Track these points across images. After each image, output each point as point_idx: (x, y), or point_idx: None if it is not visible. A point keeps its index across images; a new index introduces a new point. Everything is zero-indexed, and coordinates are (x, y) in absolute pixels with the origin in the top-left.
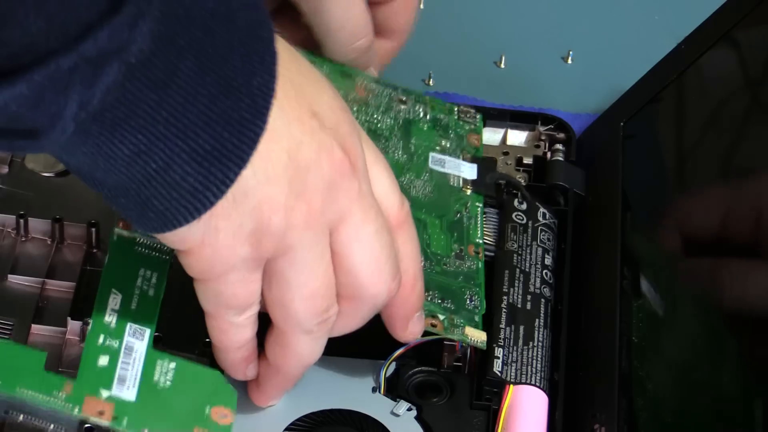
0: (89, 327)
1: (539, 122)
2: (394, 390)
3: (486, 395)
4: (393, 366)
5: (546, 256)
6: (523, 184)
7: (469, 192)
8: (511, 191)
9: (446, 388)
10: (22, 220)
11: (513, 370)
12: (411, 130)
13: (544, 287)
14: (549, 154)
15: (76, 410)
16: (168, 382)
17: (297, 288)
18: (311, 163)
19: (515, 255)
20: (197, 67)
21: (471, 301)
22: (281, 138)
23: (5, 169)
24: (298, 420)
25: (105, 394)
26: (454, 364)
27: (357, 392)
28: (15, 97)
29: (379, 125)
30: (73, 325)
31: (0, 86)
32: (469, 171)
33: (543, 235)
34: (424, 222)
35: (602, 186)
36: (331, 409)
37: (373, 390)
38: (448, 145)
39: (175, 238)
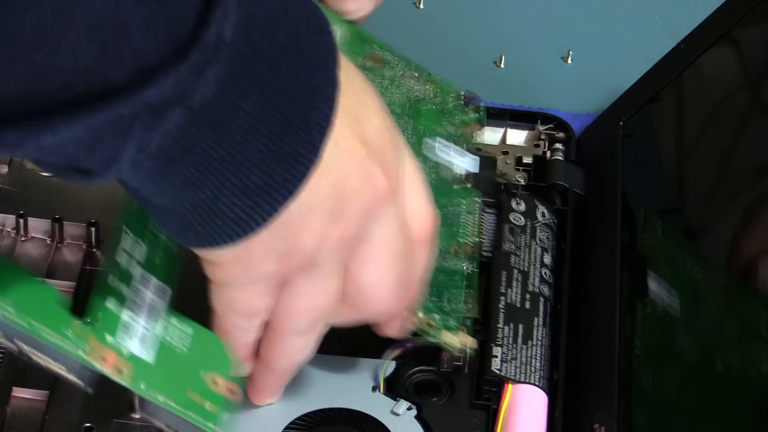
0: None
1: (539, 122)
2: (393, 389)
3: (485, 394)
4: (392, 365)
5: (545, 255)
6: (523, 183)
7: (469, 185)
8: (510, 191)
9: (446, 388)
10: (21, 220)
11: (512, 369)
12: (420, 110)
13: (543, 286)
14: (549, 154)
15: (82, 353)
16: (184, 348)
17: (306, 301)
18: (354, 193)
19: (512, 256)
20: (260, 106)
21: (466, 303)
22: (331, 171)
23: (5, 169)
24: (298, 419)
25: (111, 340)
26: (454, 363)
27: (357, 391)
28: (73, 139)
29: (391, 98)
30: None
31: (58, 127)
32: (471, 163)
33: (542, 234)
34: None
35: (602, 185)
36: (331, 408)
37: (373, 389)
38: (453, 131)
39: (210, 255)
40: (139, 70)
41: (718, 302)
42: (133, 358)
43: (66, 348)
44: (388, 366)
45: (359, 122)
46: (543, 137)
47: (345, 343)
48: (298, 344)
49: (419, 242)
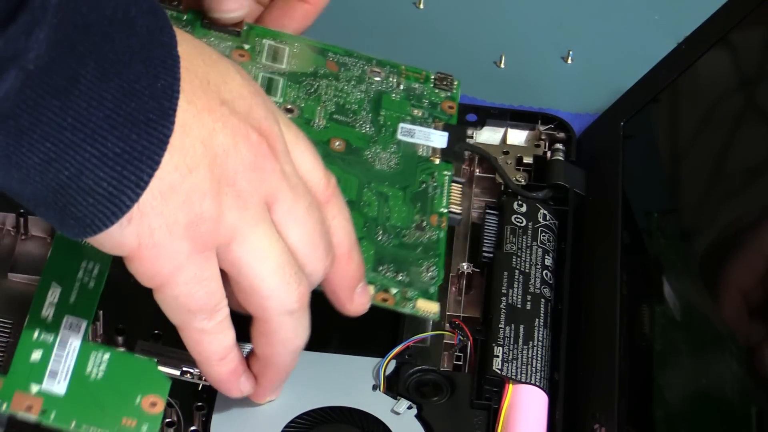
0: (25, 321)
1: (539, 122)
2: (394, 388)
3: (486, 394)
4: (393, 364)
5: (546, 256)
6: (523, 183)
7: (437, 161)
8: (510, 193)
9: (446, 387)
10: (21, 219)
11: (513, 369)
12: (382, 101)
13: (544, 287)
14: (549, 154)
15: (5, 406)
16: (100, 374)
17: (260, 265)
18: (228, 147)
19: (514, 257)
20: (99, 72)
21: (428, 272)
22: (193, 129)
23: None
24: (298, 417)
25: (35, 388)
26: (455, 363)
27: (357, 390)
28: None
29: (348, 98)
30: None
31: None
32: (438, 140)
33: (543, 236)
34: (386, 195)
35: (602, 186)
36: (332, 407)
37: (374, 388)
38: (420, 114)
39: (109, 244)
40: None
41: (717, 303)
42: (41, 393)
43: None
44: (388, 365)
45: (213, 85)
46: (543, 137)
47: (346, 342)
48: (290, 326)
49: (324, 202)
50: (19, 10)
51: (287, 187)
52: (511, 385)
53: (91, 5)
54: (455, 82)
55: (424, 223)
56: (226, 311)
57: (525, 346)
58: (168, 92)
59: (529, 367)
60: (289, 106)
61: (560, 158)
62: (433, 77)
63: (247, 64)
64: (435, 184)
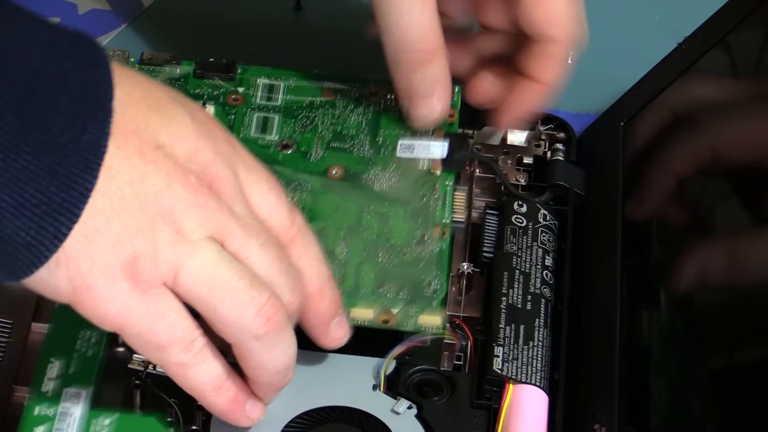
0: (26, 399)
1: (539, 122)
2: (394, 388)
3: (486, 394)
4: (393, 364)
5: (546, 257)
6: (523, 183)
7: (438, 172)
8: (510, 193)
9: (446, 387)
10: None
11: (513, 369)
12: (380, 122)
13: (545, 288)
14: (549, 154)
15: None
16: None
17: (209, 293)
18: (161, 188)
19: (514, 257)
20: (18, 125)
21: (431, 286)
22: (121, 173)
23: None
24: (298, 417)
25: None
26: (455, 363)
27: (357, 390)
28: None
29: (345, 124)
30: None
31: None
32: (439, 150)
33: (543, 237)
34: (386, 215)
35: (602, 186)
36: (332, 407)
37: (374, 388)
38: (415, 130)
39: (43, 288)
40: None
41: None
42: None
43: None
44: (388, 365)
45: (153, 129)
46: (543, 137)
47: (346, 342)
48: (263, 351)
49: (288, 243)
50: None
51: (237, 224)
52: (511, 385)
53: (15, 60)
54: (455, 89)
55: (426, 237)
56: (201, 341)
57: (525, 346)
58: (94, 146)
59: (530, 367)
60: (285, 143)
61: (560, 158)
62: None
63: (242, 107)
64: (436, 195)
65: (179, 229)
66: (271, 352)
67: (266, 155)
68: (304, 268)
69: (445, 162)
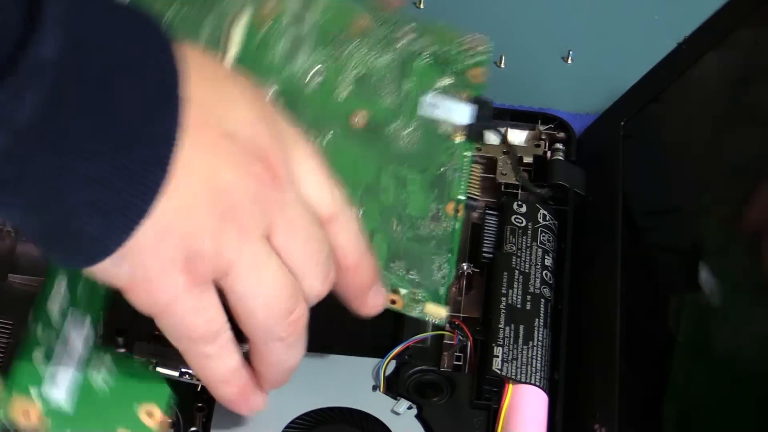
0: (29, 318)
1: (539, 122)
2: (394, 388)
3: (486, 394)
4: (393, 364)
5: (546, 257)
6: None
7: (459, 139)
8: (510, 192)
9: (446, 387)
10: None
11: (513, 369)
12: (409, 67)
13: (544, 288)
14: (549, 154)
15: (2, 412)
16: (101, 378)
17: (252, 299)
18: (231, 184)
19: (514, 257)
20: (94, 125)
21: (439, 270)
22: (194, 169)
23: None
24: (298, 418)
25: (35, 392)
26: (454, 363)
27: (357, 390)
28: None
29: (375, 63)
30: None
31: None
32: (462, 114)
33: (543, 237)
34: (404, 179)
35: (602, 186)
36: (332, 407)
37: (374, 388)
38: (447, 83)
39: (102, 276)
40: None
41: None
42: (40, 398)
43: None
44: (388, 365)
45: (217, 116)
46: (543, 137)
47: (346, 342)
48: (282, 351)
49: (328, 219)
50: (8, 71)
51: (286, 221)
52: (511, 385)
53: (95, 53)
54: (488, 46)
55: (440, 213)
56: (228, 335)
57: (525, 346)
58: (167, 140)
59: (529, 367)
60: (315, 69)
61: (560, 158)
62: (465, 39)
63: (273, 24)
64: (455, 166)
65: (241, 227)
66: (289, 353)
67: (293, 86)
68: (342, 243)
69: (469, 129)
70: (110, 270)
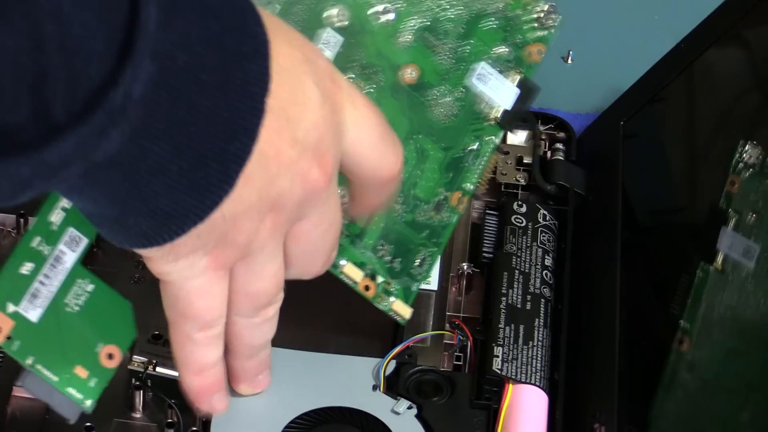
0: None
1: (539, 122)
2: (394, 388)
3: (486, 394)
4: (393, 364)
5: (546, 257)
6: (523, 183)
7: (491, 123)
8: (511, 192)
9: (446, 387)
10: (22, 219)
11: (513, 369)
12: (476, 27)
13: (544, 287)
14: (549, 154)
15: None
16: (76, 307)
17: (243, 285)
18: (284, 191)
19: (514, 257)
20: (172, 147)
21: (422, 264)
22: (254, 180)
23: None
24: (298, 417)
25: (11, 308)
26: (454, 363)
27: (357, 390)
28: None
29: (446, 13)
30: None
31: None
32: (507, 96)
33: (543, 237)
34: (427, 154)
35: (602, 185)
36: (332, 407)
37: (374, 388)
38: (505, 54)
39: (145, 257)
40: (41, 130)
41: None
42: (15, 316)
43: None
44: (388, 365)
45: (291, 123)
46: (543, 137)
47: (346, 342)
48: (248, 328)
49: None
50: (93, 109)
51: (323, 209)
52: (511, 385)
53: (185, 74)
54: (558, 19)
55: (444, 201)
56: (219, 330)
57: (525, 346)
58: (239, 154)
59: (529, 367)
60: (386, 8)
61: (560, 158)
62: (539, 8)
63: None
64: (477, 150)
65: (275, 224)
66: (258, 330)
67: (361, 17)
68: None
69: (504, 115)
70: (158, 261)
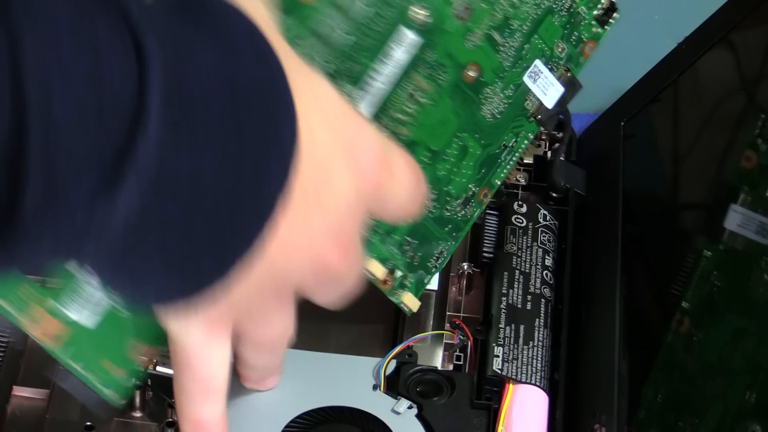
0: None
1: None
2: (394, 388)
3: (486, 394)
4: (393, 364)
5: (546, 257)
6: (523, 183)
7: (533, 119)
8: (511, 192)
9: (447, 387)
10: None
11: (513, 369)
12: (543, 24)
13: (545, 288)
14: (549, 154)
15: (28, 323)
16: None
17: (248, 335)
18: (293, 268)
19: (514, 257)
20: (161, 260)
21: (437, 259)
22: (267, 261)
23: None
24: (298, 417)
25: (69, 315)
26: (455, 362)
27: (358, 389)
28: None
29: (515, 11)
30: None
31: None
32: (553, 95)
33: (543, 237)
34: (466, 150)
35: (603, 186)
36: (332, 407)
37: (374, 387)
38: (561, 53)
39: (164, 321)
40: (8, 225)
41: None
42: (70, 322)
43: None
44: (388, 364)
45: (314, 195)
46: (544, 137)
47: (346, 342)
48: (256, 356)
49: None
50: (61, 229)
51: (334, 283)
52: (511, 385)
53: (183, 204)
54: (616, 16)
55: (472, 198)
56: (219, 389)
57: (525, 346)
58: (262, 221)
59: (530, 367)
60: (465, 7)
61: (561, 158)
62: (602, 4)
63: None
64: (513, 147)
65: (279, 295)
66: (266, 361)
67: (437, 12)
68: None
69: (545, 114)
70: (176, 325)
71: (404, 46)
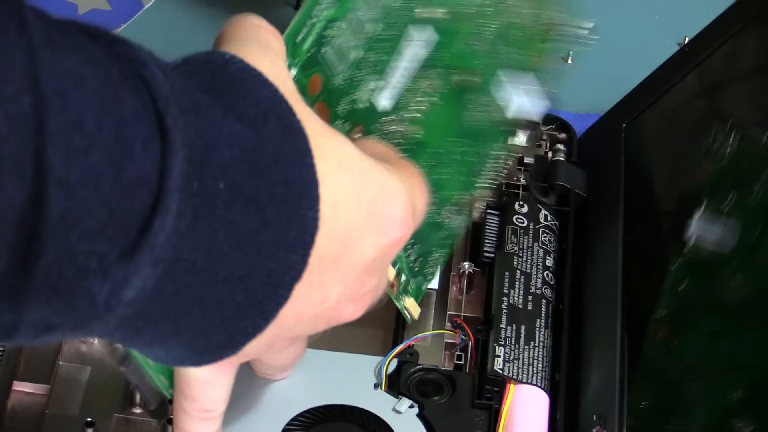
0: None
1: (540, 122)
2: (395, 387)
3: (487, 394)
4: (394, 363)
5: (547, 257)
6: (524, 183)
7: (511, 128)
8: (512, 192)
9: (448, 387)
10: None
11: (514, 369)
12: (509, 38)
13: (545, 288)
14: (550, 154)
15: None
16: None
17: (259, 361)
18: (307, 326)
19: (515, 257)
20: (172, 328)
21: (433, 266)
22: (280, 323)
23: None
24: (299, 415)
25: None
26: (456, 362)
27: (359, 388)
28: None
29: (518, 21)
30: None
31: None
32: (533, 107)
33: (544, 237)
34: (461, 157)
35: (603, 187)
36: (333, 405)
37: (375, 386)
38: (540, 61)
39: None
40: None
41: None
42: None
43: None
44: (390, 364)
45: (325, 287)
46: (544, 138)
47: (347, 340)
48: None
49: None
50: (73, 298)
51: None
52: (512, 385)
53: (199, 275)
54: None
55: (463, 203)
56: (216, 413)
57: (526, 347)
58: (249, 331)
59: (531, 367)
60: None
61: (561, 159)
62: (550, 20)
63: None
64: (497, 154)
65: (293, 341)
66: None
67: (460, 17)
68: None
69: (524, 119)
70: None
71: (424, 44)
